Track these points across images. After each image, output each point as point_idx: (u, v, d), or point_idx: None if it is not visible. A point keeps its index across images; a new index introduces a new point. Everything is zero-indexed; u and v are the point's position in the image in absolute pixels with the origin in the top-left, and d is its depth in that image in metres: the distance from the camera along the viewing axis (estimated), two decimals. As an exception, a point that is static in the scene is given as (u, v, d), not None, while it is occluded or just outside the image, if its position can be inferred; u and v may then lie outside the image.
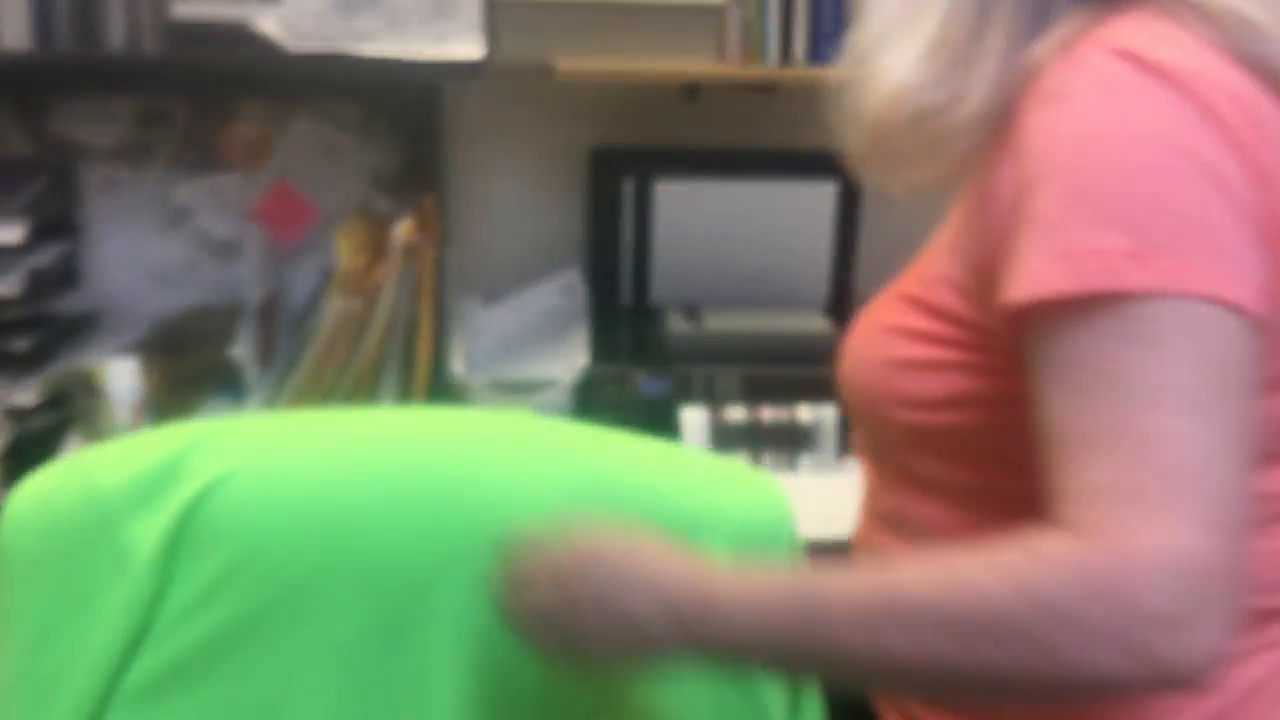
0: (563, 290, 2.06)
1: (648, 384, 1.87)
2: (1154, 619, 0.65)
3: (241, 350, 1.79)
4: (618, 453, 1.03)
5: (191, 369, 1.86)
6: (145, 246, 1.94)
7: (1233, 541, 0.68)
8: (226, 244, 1.95)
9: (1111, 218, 0.73)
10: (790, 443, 1.81)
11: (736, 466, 1.05)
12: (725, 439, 1.80)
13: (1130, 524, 0.67)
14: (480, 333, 2.02)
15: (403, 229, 1.77)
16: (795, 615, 0.75)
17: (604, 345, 1.95)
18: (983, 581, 0.70)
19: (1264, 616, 0.85)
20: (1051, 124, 0.78)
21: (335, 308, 1.75)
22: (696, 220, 2.07)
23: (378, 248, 1.80)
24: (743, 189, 2.07)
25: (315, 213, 1.95)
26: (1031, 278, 0.75)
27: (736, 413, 1.82)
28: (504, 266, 2.08)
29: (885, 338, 0.93)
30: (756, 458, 1.80)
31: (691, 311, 2.03)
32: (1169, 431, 0.69)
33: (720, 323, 2.01)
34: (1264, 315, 0.73)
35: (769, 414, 1.81)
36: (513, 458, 0.99)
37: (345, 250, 1.76)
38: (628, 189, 2.03)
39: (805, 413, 1.81)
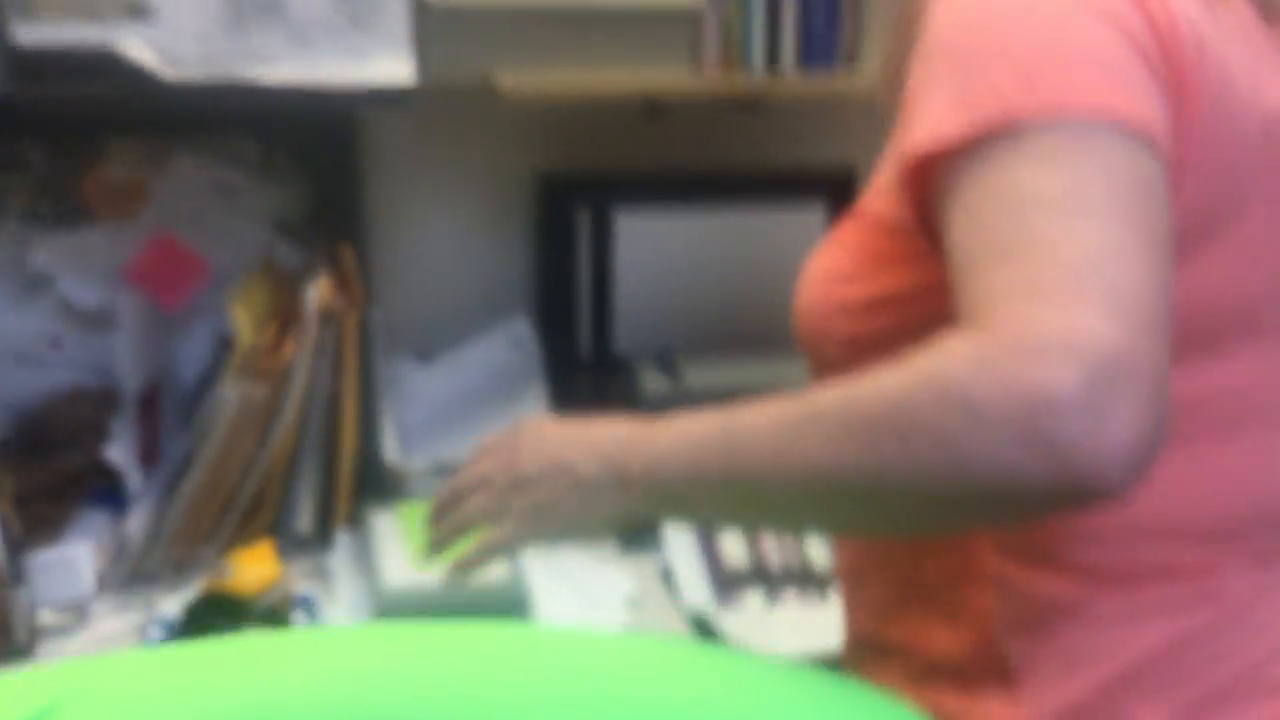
0: (510, 343, 1.73)
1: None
2: (1053, 402, 0.60)
3: (119, 449, 1.44)
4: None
5: (57, 475, 1.50)
6: (-2, 320, 1.57)
7: (1150, 340, 0.63)
8: (96, 313, 1.59)
9: (1005, 59, 0.71)
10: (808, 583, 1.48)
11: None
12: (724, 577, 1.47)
13: (1032, 313, 0.62)
14: (415, 399, 1.69)
15: (317, 291, 1.43)
16: (719, 440, 0.75)
17: (564, 407, 1.63)
18: (887, 380, 0.67)
19: (1165, 573, 0.78)
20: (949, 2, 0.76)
21: (236, 394, 1.40)
22: (664, 256, 1.76)
23: (286, 314, 1.46)
24: (717, 218, 1.78)
25: (205, 270, 1.60)
26: (928, 127, 0.71)
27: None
28: (439, 319, 1.75)
29: (826, 253, 0.90)
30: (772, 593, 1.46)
31: (665, 363, 1.72)
32: (1076, 233, 0.65)
33: (702, 376, 1.70)
34: (1170, 153, 0.70)
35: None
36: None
37: (245, 320, 1.42)
38: (583, 222, 1.71)
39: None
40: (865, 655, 0.92)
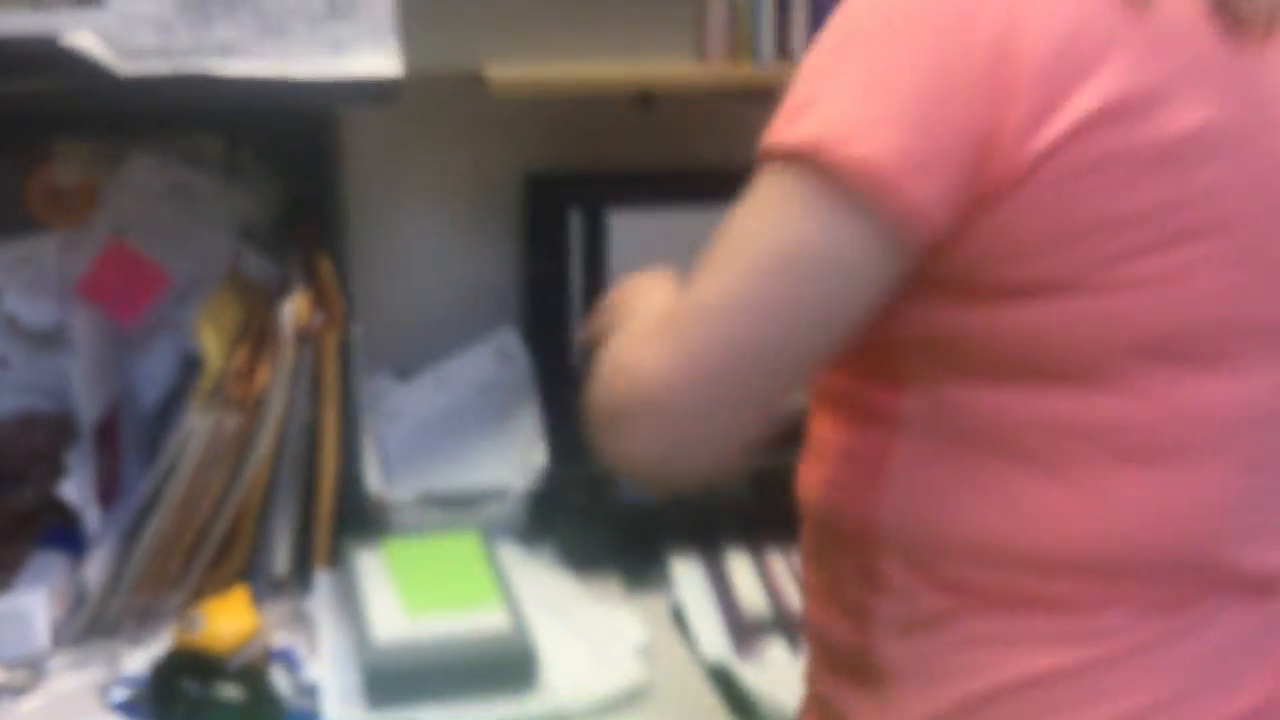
0: (498, 356, 1.60)
1: (628, 488, 1.43)
2: (599, 412, 0.78)
3: (75, 485, 1.30)
4: None
5: (7, 513, 1.35)
6: (-68, 341, 1.42)
7: (697, 389, 0.73)
8: (46, 331, 1.44)
9: (802, 83, 0.74)
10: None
11: None
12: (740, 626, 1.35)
13: (641, 340, 0.76)
14: (395, 420, 1.55)
15: (293, 308, 1.29)
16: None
17: (561, 428, 1.49)
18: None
19: (1044, 603, 0.76)
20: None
21: (205, 424, 1.26)
22: (662, 258, 1.62)
23: (258, 333, 1.32)
24: (718, 217, 1.63)
25: (165, 281, 1.45)
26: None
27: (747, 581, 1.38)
28: (420, 331, 1.61)
29: None
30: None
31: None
32: (709, 281, 0.74)
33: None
34: (922, 205, 0.70)
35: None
36: None
37: (213, 341, 1.28)
38: (575, 222, 1.58)
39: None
40: (809, 636, 0.94)
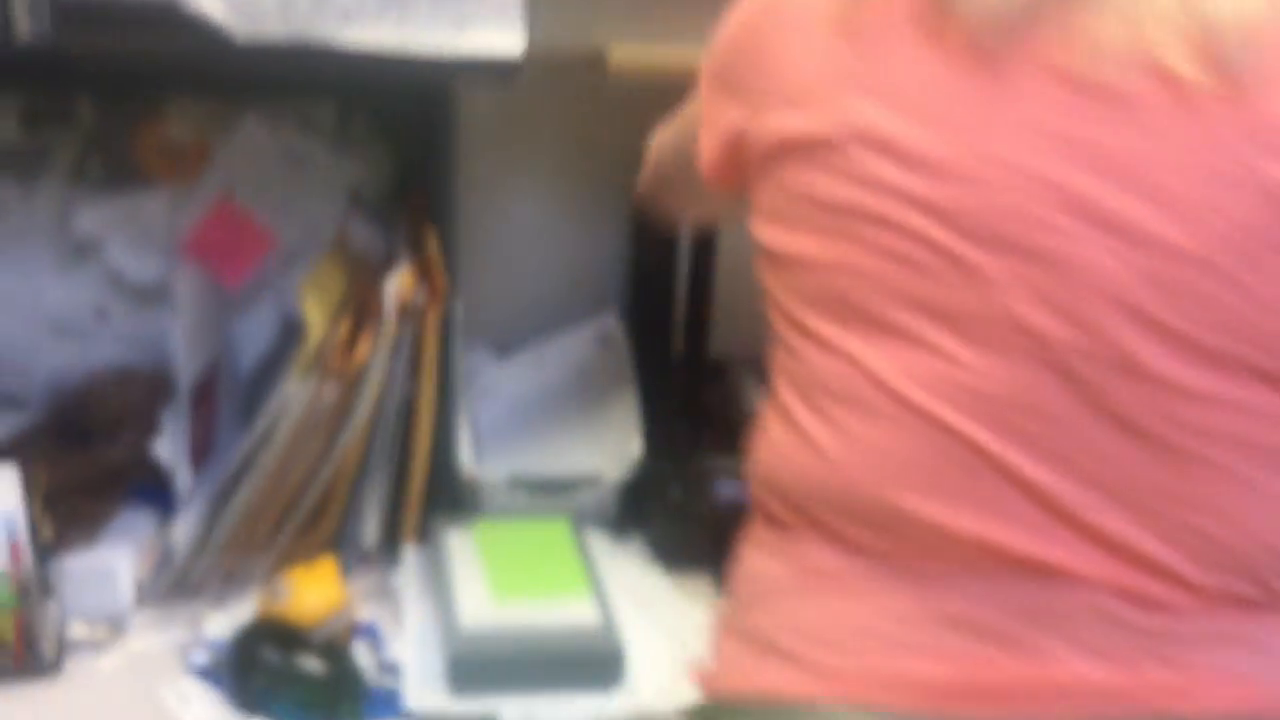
0: (598, 339, 1.57)
1: (725, 486, 1.39)
2: None
3: (169, 445, 1.29)
4: None
5: (98, 468, 1.35)
6: (34, 290, 1.42)
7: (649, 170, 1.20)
8: (148, 286, 1.43)
9: None
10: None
11: None
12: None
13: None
14: (489, 396, 1.53)
15: (398, 285, 1.27)
16: None
17: (659, 420, 1.46)
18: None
19: (767, 519, 0.89)
20: None
21: (303, 394, 1.25)
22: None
23: (361, 305, 1.30)
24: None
25: (271, 242, 1.44)
26: None
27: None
28: (520, 309, 1.59)
29: None
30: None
31: (765, 371, 1.55)
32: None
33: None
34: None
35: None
36: None
37: (316, 310, 1.26)
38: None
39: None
40: None
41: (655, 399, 1.48)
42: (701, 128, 0.97)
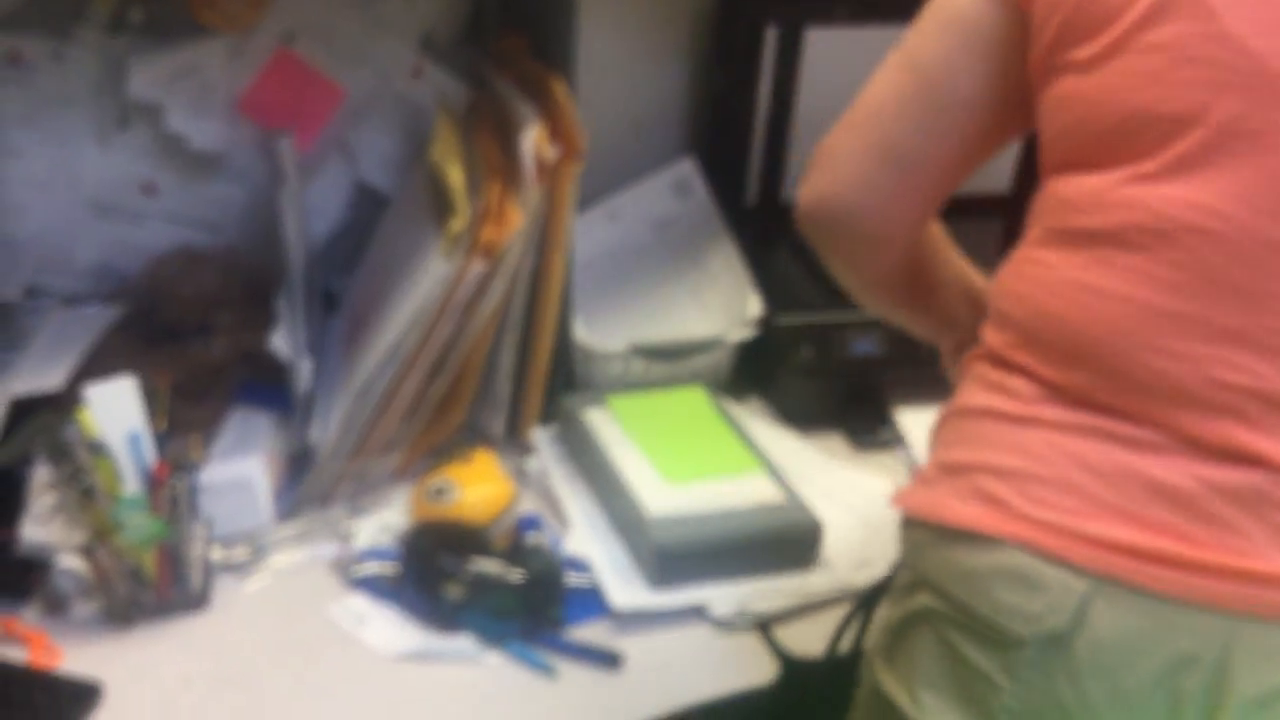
0: (675, 188, 1.46)
1: (861, 344, 1.33)
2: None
3: (287, 338, 1.14)
4: None
5: (198, 367, 1.19)
6: (71, 164, 1.23)
7: (843, 132, 0.89)
8: (207, 155, 1.25)
9: None
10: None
11: None
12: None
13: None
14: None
15: (533, 140, 1.14)
16: None
17: (772, 275, 1.38)
18: None
19: (988, 354, 0.86)
20: None
21: (446, 274, 1.11)
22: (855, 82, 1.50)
23: (501, 170, 1.16)
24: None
25: (338, 94, 1.27)
26: None
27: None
28: (591, 156, 1.46)
29: None
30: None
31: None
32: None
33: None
34: None
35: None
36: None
37: (459, 184, 1.12)
38: (769, 39, 1.43)
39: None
40: None
41: (755, 252, 1.40)
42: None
